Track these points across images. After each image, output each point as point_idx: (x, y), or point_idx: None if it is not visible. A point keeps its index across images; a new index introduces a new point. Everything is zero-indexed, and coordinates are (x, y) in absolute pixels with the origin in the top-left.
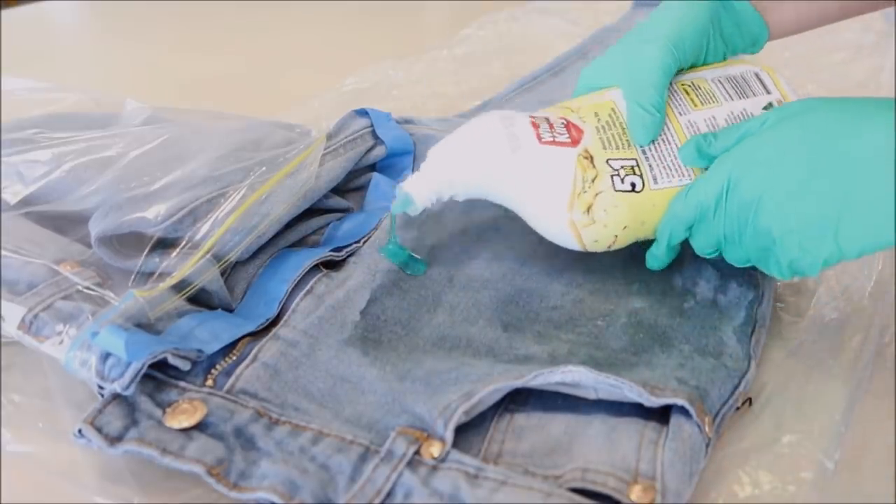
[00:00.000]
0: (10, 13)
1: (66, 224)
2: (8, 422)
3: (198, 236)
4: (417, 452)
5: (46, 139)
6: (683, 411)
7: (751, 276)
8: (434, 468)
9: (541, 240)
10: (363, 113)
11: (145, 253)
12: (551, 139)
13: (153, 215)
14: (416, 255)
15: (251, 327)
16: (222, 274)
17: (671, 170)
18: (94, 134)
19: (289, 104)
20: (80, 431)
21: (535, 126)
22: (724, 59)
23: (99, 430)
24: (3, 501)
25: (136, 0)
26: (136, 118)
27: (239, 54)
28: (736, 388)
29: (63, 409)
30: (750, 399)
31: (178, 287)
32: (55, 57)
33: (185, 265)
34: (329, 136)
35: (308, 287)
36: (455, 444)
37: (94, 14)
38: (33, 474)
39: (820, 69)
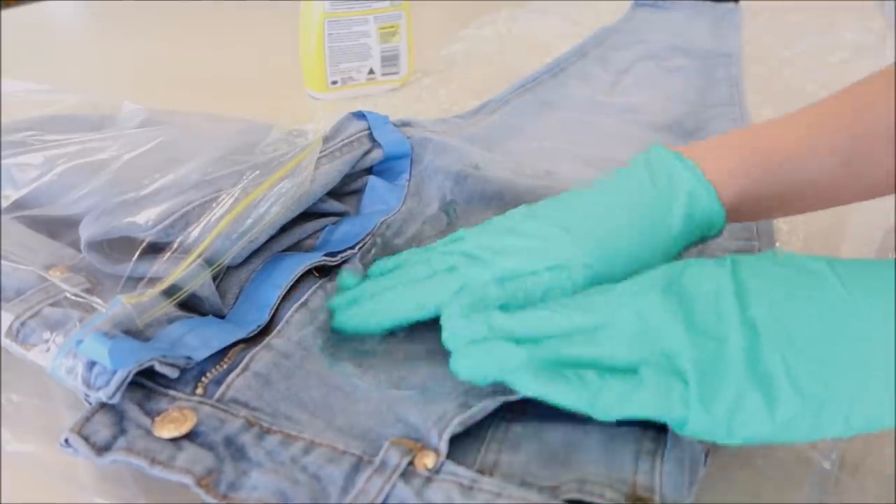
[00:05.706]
0: (10, 13)
1: (59, 228)
2: (8, 422)
3: (189, 241)
4: (411, 463)
5: (39, 142)
6: None
7: None
8: (428, 479)
9: None
10: (360, 115)
11: (135, 257)
12: None
13: (144, 220)
14: None
15: (242, 334)
16: (214, 279)
17: None
18: (87, 137)
19: (287, 106)
20: (66, 441)
21: None
22: None
23: (86, 438)
24: (3, 501)
25: (135, 0)
26: (132, 120)
27: (238, 55)
28: None
29: (63, 409)
30: None
31: (169, 292)
32: (55, 57)
33: (176, 270)
34: (325, 139)
35: (303, 300)
36: (450, 454)
37: (94, 14)
38: (33, 474)
39: (820, 69)
